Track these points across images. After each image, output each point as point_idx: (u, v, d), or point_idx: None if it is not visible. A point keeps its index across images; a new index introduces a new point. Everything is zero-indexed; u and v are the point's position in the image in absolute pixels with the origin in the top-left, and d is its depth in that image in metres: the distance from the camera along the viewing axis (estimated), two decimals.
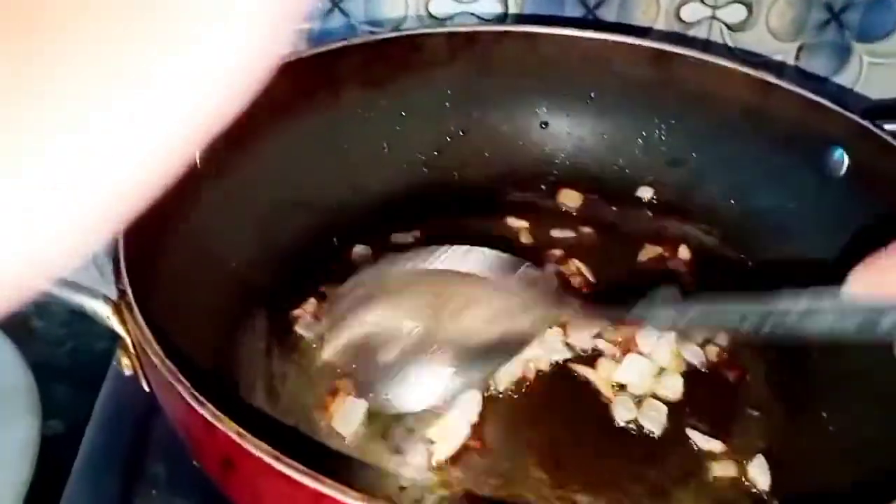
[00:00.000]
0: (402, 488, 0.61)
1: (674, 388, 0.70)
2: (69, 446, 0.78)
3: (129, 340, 0.52)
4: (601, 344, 0.73)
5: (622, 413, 0.68)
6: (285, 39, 0.23)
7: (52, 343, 1.01)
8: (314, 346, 0.73)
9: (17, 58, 0.19)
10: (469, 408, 0.66)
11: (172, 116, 0.21)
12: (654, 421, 0.68)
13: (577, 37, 0.89)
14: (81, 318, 1.03)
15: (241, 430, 0.43)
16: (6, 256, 0.20)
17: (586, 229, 0.88)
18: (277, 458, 0.42)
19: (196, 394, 0.45)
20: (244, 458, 0.42)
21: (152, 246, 0.64)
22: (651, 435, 0.67)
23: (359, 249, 0.83)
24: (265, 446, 0.42)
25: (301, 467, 0.41)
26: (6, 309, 0.21)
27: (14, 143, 0.19)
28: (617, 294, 0.79)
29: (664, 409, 0.68)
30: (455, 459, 0.64)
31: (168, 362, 0.47)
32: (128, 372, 0.54)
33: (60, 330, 1.03)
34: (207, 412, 0.44)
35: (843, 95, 1.06)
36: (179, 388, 0.46)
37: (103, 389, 0.80)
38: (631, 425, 0.68)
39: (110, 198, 0.21)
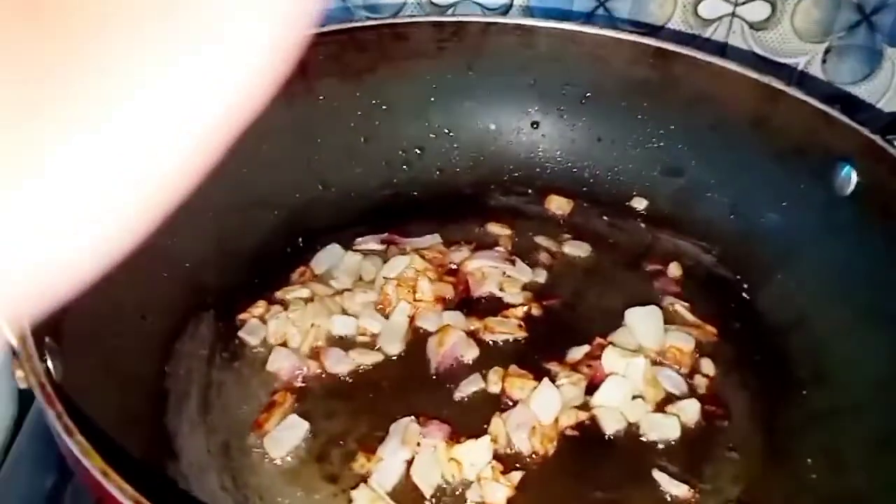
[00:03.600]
0: None
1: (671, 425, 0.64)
2: None
3: (17, 346, 0.46)
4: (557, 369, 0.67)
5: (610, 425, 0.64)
6: (299, 34, 0.24)
7: None
8: (257, 353, 0.68)
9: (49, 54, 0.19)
10: (406, 436, 0.60)
11: (196, 112, 0.22)
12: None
13: (573, 31, 0.83)
14: None
15: (108, 469, 0.38)
16: (48, 252, 0.20)
17: (572, 241, 0.81)
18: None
19: (69, 424, 0.40)
20: (111, 500, 0.38)
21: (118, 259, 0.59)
22: (613, 477, 0.61)
23: (330, 249, 0.77)
24: (130, 491, 0.37)
25: None
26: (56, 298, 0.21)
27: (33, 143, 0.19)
28: (593, 312, 0.74)
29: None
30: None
31: (47, 386, 0.43)
32: (21, 385, 0.49)
33: None
34: (76, 446, 0.39)
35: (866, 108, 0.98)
36: (51, 415, 0.41)
37: None
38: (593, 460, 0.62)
39: (144, 190, 0.21)
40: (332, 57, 0.81)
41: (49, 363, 0.46)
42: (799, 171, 0.75)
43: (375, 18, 1.09)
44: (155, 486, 0.39)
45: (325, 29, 0.80)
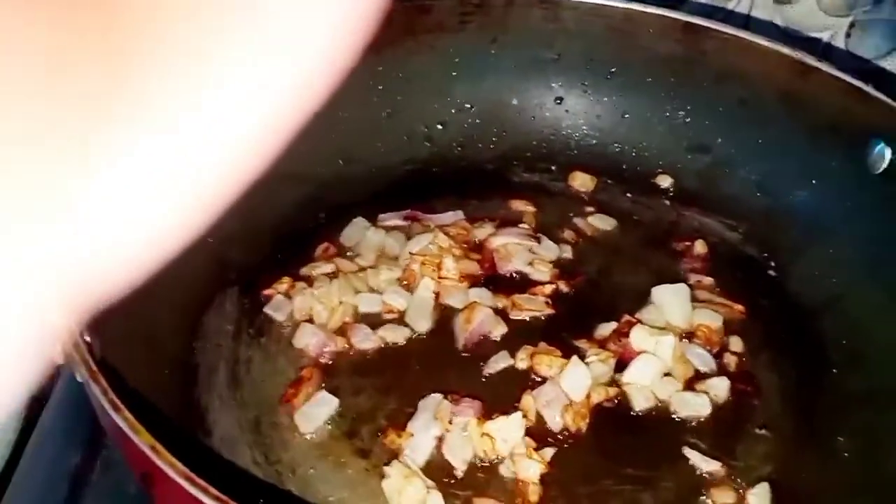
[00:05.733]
0: None
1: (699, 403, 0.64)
2: None
3: None
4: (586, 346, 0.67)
5: (640, 402, 0.63)
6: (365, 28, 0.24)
7: None
8: (283, 329, 0.68)
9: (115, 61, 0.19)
10: (438, 412, 0.60)
11: (256, 115, 0.22)
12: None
13: (599, 4, 0.81)
14: None
15: (157, 445, 0.38)
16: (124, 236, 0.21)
17: (596, 216, 0.81)
18: (191, 480, 0.36)
19: (115, 400, 0.40)
20: (160, 474, 0.37)
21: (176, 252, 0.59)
22: (645, 455, 0.60)
23: (356, 223, 0.76)
24: (180, 466, 0.37)
25: (216, 493, 0.36)
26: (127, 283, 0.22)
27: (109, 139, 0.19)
28: (620, 290, 0.74)
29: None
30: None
31: (91, 361, 0.42)
32: (59, 361, 0.48)
33: None
34: (124, 422, 0.39)
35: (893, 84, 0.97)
36: (97, 390, 0.41)
37: None
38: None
39: (202, 187, 0.22)
40: None
41: (88, 339, 0.45)
42: (830, 148, 0.74)
43: None
44: (199, 460, 0.38)
45: None
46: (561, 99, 0.86)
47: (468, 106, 0.86)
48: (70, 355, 0.43)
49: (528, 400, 0.61)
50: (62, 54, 0.19)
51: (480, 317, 0.68)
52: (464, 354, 0.67)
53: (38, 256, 0.19)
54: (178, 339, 0.63)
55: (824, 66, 0.73)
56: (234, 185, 0.23)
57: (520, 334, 0.68)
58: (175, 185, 0.21)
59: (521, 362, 0.65)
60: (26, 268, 0.19)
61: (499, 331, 0.68)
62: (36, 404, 0.71)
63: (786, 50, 0.75)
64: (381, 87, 0.83)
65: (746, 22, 0.99)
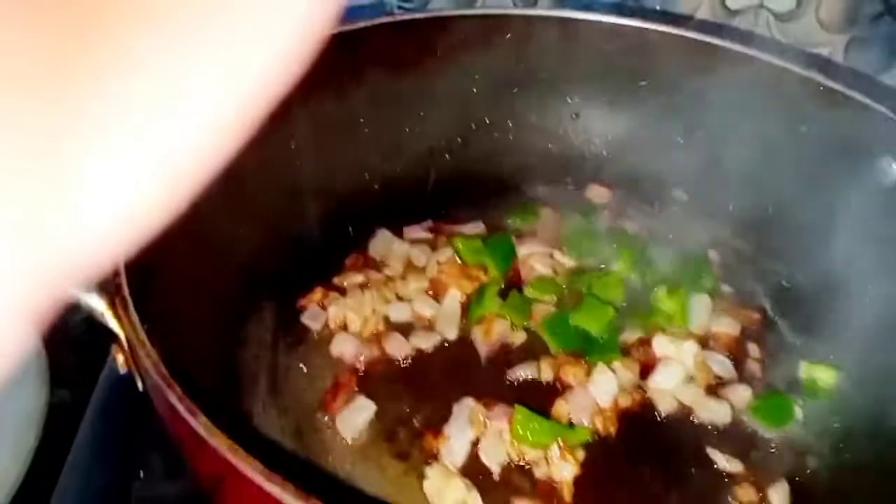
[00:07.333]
0: None
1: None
2: (76, 415, 0.77)
3: (123, 338, 0.49)
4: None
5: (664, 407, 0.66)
6: (328, 19, 0.24)
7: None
8: (319, 337, 0.70)
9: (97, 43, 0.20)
10: (472, 417, 0.63)
11: (227, 96, 0.22)
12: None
13: (615, 24, 0.85)
14: None
15: (233, 444, 0.40)
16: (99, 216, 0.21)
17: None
18: (268, 478, 0.39)
19: (191, 404, 0.42)
20: (234, 474, 0.40)
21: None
22: (671, 456, 0.63)
23: (381, 235, 0.79)
24: (257, 464, 0.39)
25: (293, 489, 0.38)
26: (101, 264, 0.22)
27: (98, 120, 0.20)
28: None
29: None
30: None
31: (162, 368, 0.44)
32: (122, 370, 0.51)
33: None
34: (200, 425, 0.41)
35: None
36: (172, 397, 0.43)
37: (109, 358, 0.78)
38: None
39: (178, 170, 0.22)
40: (380, 49, 0.82)
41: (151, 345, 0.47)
42: (839, 163, 0.77)
43: (407, 9, 1.11)
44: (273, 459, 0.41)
45: (375, 22, 0.81)
46: (577, 114, 0.89)
47: (487, 121, 0.89)
48: (142, 363, 0.46)
49: (560, 405, 0.64)
50: (34, 52, 0.19)
51: (499, 329, 0.70)
52: (488, 363, 0.69)
53: (14, 238, 0.19)
54: (219, 349, 0.66)
55: (835, 85, 0.77)
56: (207, 167, 0.23)
57: (540, 339, 0.71)
58: (149, 170, 0.21)
59: (545, 374, 0.68)
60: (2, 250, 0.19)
61: (518, 339, 0.71)
62: (70, 412, 0.73)
63: (799, 69, 0.78)
64: (404, 104, 0.85)
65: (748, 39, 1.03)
